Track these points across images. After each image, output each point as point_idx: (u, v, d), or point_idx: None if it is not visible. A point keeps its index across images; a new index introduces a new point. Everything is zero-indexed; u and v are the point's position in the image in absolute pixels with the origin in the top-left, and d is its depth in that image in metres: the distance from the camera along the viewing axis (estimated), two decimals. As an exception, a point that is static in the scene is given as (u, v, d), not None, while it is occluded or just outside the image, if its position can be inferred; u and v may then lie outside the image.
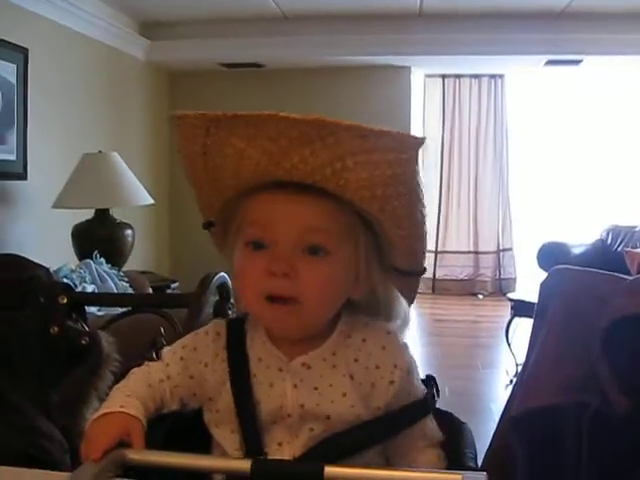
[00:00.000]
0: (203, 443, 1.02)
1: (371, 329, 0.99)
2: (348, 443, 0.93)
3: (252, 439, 0.94)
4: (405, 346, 1.00)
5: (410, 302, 1.05)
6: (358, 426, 0.94)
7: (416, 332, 5.75)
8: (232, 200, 0.96)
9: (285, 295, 0.91)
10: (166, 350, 1.05)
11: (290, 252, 0.91)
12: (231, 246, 0.99)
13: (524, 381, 1.42)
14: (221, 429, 0.98)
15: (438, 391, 1.02)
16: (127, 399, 0.93)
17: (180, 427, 1.03)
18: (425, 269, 1.02)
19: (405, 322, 1.04)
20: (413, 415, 0.97)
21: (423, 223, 0.95)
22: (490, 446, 1.47)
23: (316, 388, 0.94)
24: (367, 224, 0.95)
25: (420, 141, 0.86)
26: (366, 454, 0.94)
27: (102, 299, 2.26)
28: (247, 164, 0.89)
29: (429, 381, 1.02)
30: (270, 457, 0.93)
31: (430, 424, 1.00)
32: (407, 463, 0.97)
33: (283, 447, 0.94)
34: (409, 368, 0.98)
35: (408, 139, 0.87)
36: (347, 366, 0.96)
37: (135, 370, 1.02)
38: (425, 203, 0.94)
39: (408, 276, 1.01)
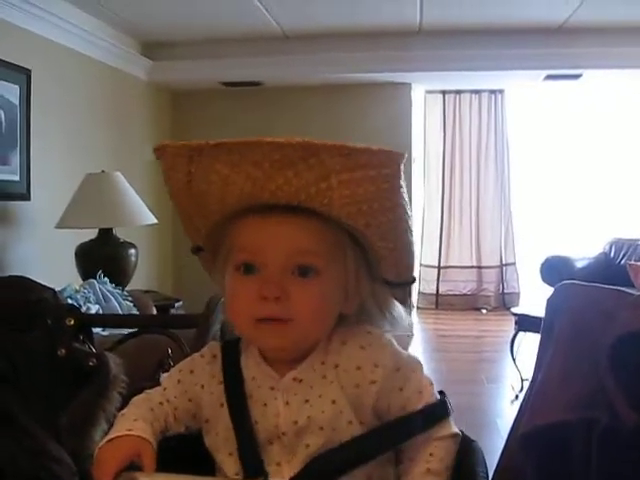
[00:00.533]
0: (210, 463, 1.02)
1: (351, 332, 0.99)
2: (343, 458, 0.92)
3: (251, 460, 0.94)
4: (389, 343, 0.99)
5: (407, 308, 1.05)
6: (353, 440, 0.93)
7: (420, 347, 5.74)
8: (219, 225, 0.97)
9: (277, 317, 0.92)
10: (164, 376, 1.06)
11: (280, 275, 0.92)
12: (220, 270, 1.00)
13: (532, 398, 1.42)
14: (220, 453, 0.98)
15: (449, 407, 0.99)
16: (134, 423, 0.94)
17: (188, 447, 1.03)
18: (414, 279, 1.03)
19: (401, 323, 1.04)
20: (412, 427, 0.95)
21: (409, 235, 0.96)
22: (499, 464, 1.46)
23: (307, 401, 0.95)
24: (354, 239, 0.95)
25: (402, 156, 0.87)
26: (366, 466, 0.93)
27: (109, 320, 2.26)
28: (232, 190, 0.89)
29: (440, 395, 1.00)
30: (270, 478, 0.92)
31: (440, 430, 0.96)
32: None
33: (282, 467, 0.94)
34: (396, 364, 0.97)
35: (390, 155, 0.87)
36: (332, 373, 0.95)
37: (135, 398, 1.03)
38: (410, 215, 0.95)
39: (398, 287, 1.02)
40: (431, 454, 0.95)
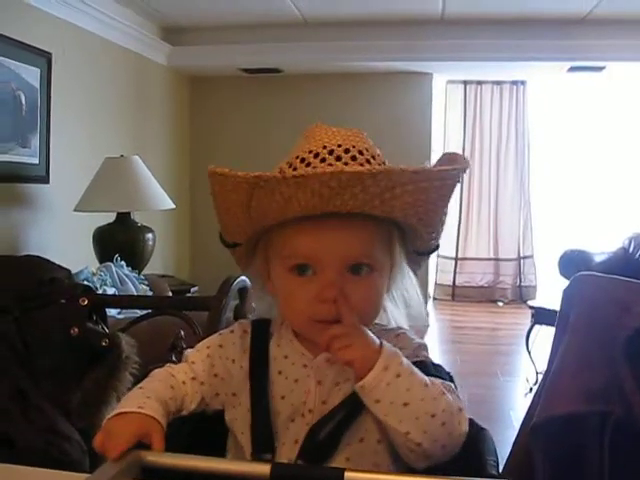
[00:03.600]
0: (223, 446, 1.02)
1: (385, 333, 1.00)
2: (342, 415, 0.93)
3: (260, 436, 0.94)
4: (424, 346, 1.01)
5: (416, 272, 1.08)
6: (343, 400, 0.94)
7: (435, 339, 5.73)
8: (269, 229, 0.97)
9: (334, 319, 0.92)
10: (190, 350, 1.06)
11: (337, 277, 0.93)
12: (259, 267, 1.02)
13: (546, 388, 1.41)
14: (241, 425, 0.98)
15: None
16: (146, 400, 0.93)
17: (202, 430, 1.03)
18: (439, 245, 1.06)
19: (418, 309, 1.07)
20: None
21: (446, 217, 1.00)
22: (511, 453, 1.45)
23: (337, 384, 0.96)
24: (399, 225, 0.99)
25: (468, 164, 0.93)
26: (363, 423, 0.93)
27: (123, 301, 2.27)
28: (295, 206, 0.89)
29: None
30: (283, 454, 0.93)
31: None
32: None
33: (298, 445, 0.94)
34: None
35: (456, 171, 0.91)
36: None
37: (157, 371, 1.03)
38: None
39: (425, 255, 1.06)
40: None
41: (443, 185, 0.92)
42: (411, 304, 1.05)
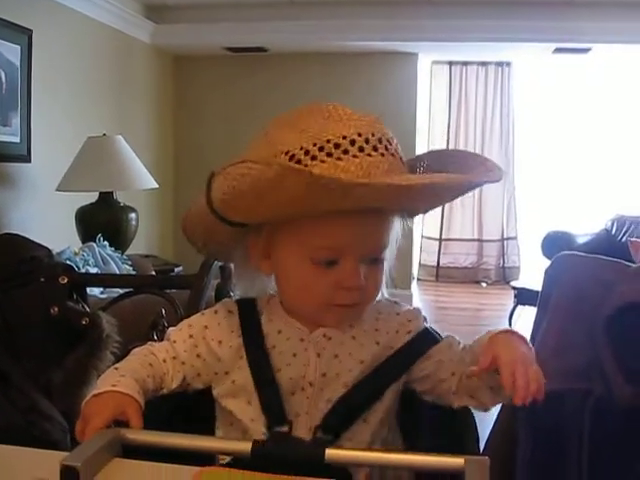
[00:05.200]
0: (206, 424, 1.02)
1: (378, 303, 1.04)
2: (361, 395, 0.96)
3: (273, 408, 0.94)
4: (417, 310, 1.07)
5: None
6: (366, 377, 0.97)
7: (419, 319, 5.74)
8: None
9: (354, 303, 0.97)
10: (172, 329, 1.06)
11: (359, 265, 0.95)
12: (263, 245, 0.99)
13: (527, 367, 1.41)
14: (238, 400, 0.98)
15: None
16: (120, 379, 0.92)
17: (183, 408, 1.02)
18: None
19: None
20: (421, 343, 1.01)
21: None
22: (492, 431, 1.46)
23: (336, 356, 0.97)
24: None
25: (502, 177, 0.96)
26: (385, 399, 0.98)
27: (103, 280, 2.25)
28: (351, 201, 0.87)
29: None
30: (299, 426, 0.94)
31: (451, 336, 1.05)
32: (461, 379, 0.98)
33: (300, 418, 0.95)
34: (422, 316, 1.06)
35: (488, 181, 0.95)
36: (368, 335, 1.00)
37: (136, 350, 1.02)
38: None
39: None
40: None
41: (474, 186, 0.97)
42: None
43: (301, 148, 0.90)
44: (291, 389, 0.96)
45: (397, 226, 1.01)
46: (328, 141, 0.90)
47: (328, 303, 0.96)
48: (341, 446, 0.86)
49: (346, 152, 0.90)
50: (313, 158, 0.90)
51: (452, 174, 0.93)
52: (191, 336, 1.02)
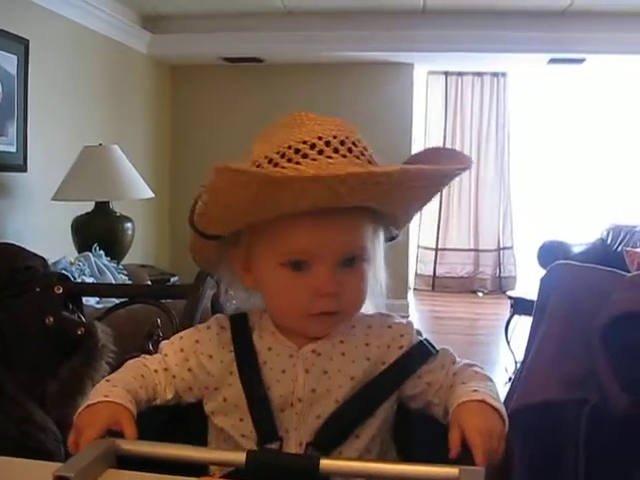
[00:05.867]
0: (200, 435, 1.02)
1: (370, 317, 1.03)
2: (353, 413, 0.95)
3: (265, 425, 0.94)
4: (409, 324, 1.04)
5: None
6: (356, 394, 0.96)
7: (415, 329, 5.74)
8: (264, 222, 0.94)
9: (332, 311, 0.95)
10: (164, 342, 1.06)
11: (333, 270, 0.94)
12: (244, 259, 1.00)
13: (523, 377, 1.41)
14: (229, 417, 0.98)
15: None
16: (113, 389, 0.93)
17: (177, 420, 1.02)
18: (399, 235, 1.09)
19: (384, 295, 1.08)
20: (412, 360, 0.99)
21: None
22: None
23: (326, 372, 0.96)
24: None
25: (471, 164, 0.93)
26: (378, 415, 0.96)
27: (99, 289, 2.25)
28: (306, 200, 0.87)
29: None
30: (290, 443, 0.94)
31: (445, 354, 1.01)
32: (449, 399, 0.96)
33: (290, 434, 0.94)
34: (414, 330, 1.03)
35: (458, 171, 0.92)
36: (358, 351, 0.98)
37: (129, 362, 1.03)
38: None
39: (391, 241, 1.08)
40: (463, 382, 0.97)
41: (443, 183, 0.95)
42: (378, 293, 1.05)
43: (265, 157, 0.92)
44: (281, 406, 0.95)
45: (379, 234, 1.01)
46: (289, 147, 0.91)
47: (308, 313, 0.95)
48: (336, 456, 0.86)
49: (305, 156, 0.89)
50: (275, 165, 0.90)
51: (411, 165, 0.92)
52: (182, 350, 1.02)
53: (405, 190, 0.91)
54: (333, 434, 0.93)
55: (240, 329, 1.02)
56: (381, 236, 1.02)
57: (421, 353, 1.00)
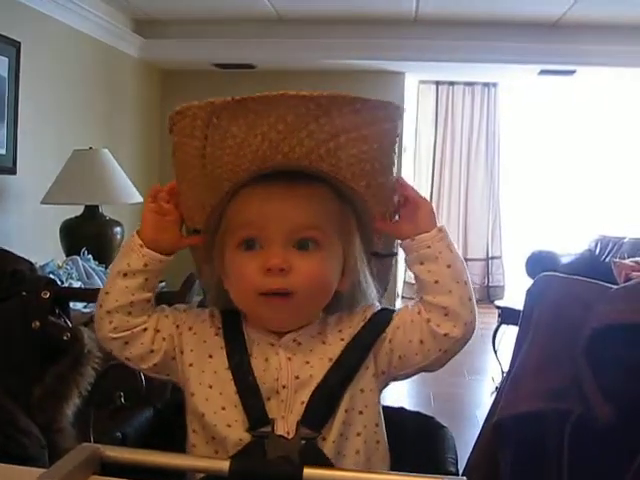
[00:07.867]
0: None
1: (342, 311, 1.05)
2: (332, 386, 0.95)
3: (255, 411, 0.94)
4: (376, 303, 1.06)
5: (385, 286, 1.12)
6: (334, 366, 0.97)
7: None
8: (224, 200, 0.98)
9: (281, 289, 0.95)
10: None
11: (284, 248, 0.95)
12: (218, 253, 1.02)
13: (508, 387, 1.42)
14: (214, 403, 0.97)
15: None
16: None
17: (162, 426, 1.02)
18: (396, 253, 1.09)
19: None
20: (377, 322, 1.01)
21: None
22: (472, 451, 1.46)
23: (308, 362, 0.97)
24: (356, 211, 1.01)
25: (402, 109, 0.95)
26: (361, 382, 0.97)
27: (85, 294, 2.24)
28: (246, 153, 0.91)
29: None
30: (279, 427, 0.94)
31: (407, 307, 1.02)
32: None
33: (277, 422, 0.94)
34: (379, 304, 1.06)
35: (391, 106, 0.94)
36: (334, 336, 1.00)
37: None
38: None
39: (383, 258, 1.08)
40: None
41: (381, 131, 0.94)
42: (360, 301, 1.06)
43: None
44: (267, 393, 0.96)
45: (353, 233, 1.02)
46: None
47: (256, 290, 0.96)
48: (319, 466, 0.86)
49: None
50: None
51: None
52: (175, 308, 1.07)
53: (344, 144, 0.92)
54: (320, 409, 0.94)
55: (231, 318, 1.03)
56: (357, 239, 1.02)
57: (383, 315, 1.02)
